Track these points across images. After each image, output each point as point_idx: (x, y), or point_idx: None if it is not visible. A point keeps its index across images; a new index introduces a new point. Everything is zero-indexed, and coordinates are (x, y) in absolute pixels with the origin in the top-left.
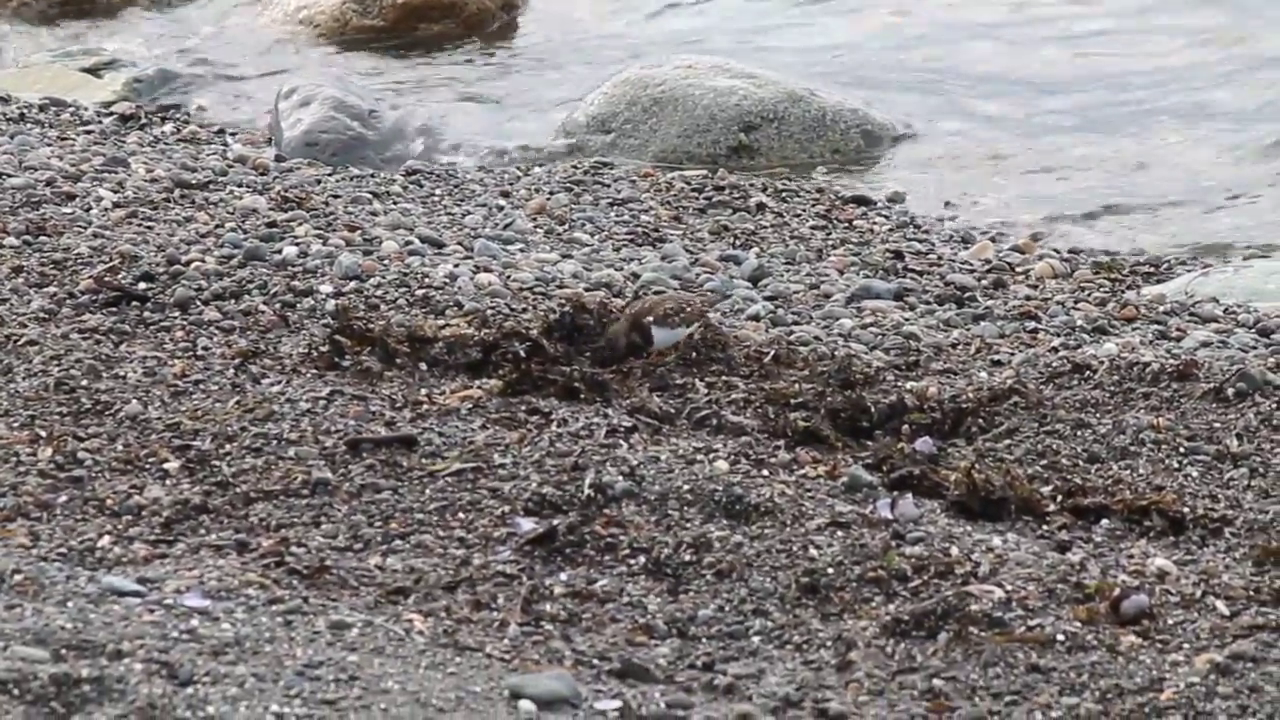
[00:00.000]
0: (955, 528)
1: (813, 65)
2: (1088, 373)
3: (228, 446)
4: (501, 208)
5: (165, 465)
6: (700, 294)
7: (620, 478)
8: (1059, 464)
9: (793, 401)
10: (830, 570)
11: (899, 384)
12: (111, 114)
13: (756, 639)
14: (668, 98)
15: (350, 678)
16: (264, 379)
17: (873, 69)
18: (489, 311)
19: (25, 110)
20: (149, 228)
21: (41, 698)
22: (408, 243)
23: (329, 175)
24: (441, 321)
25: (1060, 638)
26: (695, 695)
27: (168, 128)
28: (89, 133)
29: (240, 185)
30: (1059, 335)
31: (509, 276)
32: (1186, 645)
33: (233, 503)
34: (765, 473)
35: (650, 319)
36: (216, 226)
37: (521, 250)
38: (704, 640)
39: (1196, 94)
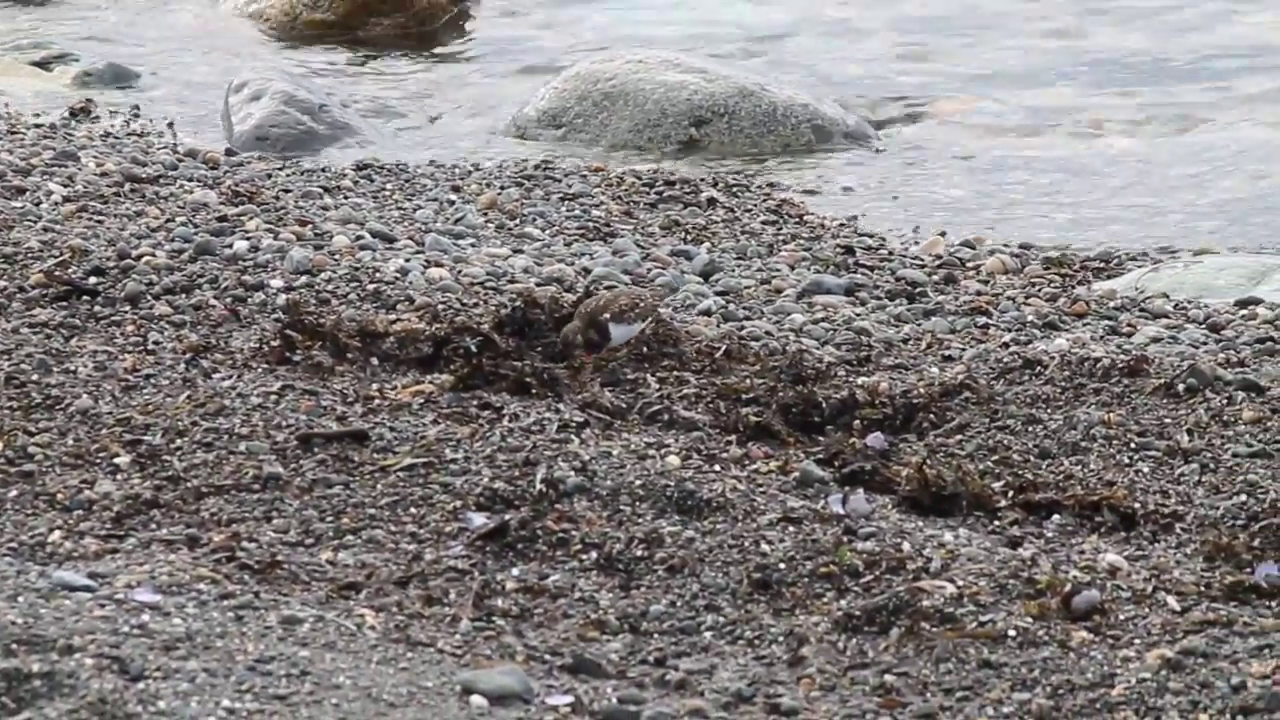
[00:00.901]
0: (907, 523)
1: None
2: (1039, 368)
3: (179, 441)
4: (453, 202)
5: (116, 460)
6: (652, 289)
7: (572, 473)
8: (1010, 459)
9: (744, 397)
10: (782, 566)
11: (850, 379)
12: (62, 107)
13: (708, 634)
14: (618, 92)
15: (302, 673)
16: (215, 374)
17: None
18: (440, 306)
19: None
20: (99, 222)
21: None
22: (359, 237)
23: (279, 170)
24: (393, 316)
25: (1012, 633)
26: (647, 690)
27: (118, 121)
28: (39, 126)
29: (191, 179)
30: (1010, 331)
31: (460, 271)
32: (1138, 641)
33: (184, 497)
34: (717, 468)
35: (606, 315)
36: (167, 221)
37: (473, 245)
38: (656, 636)
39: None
